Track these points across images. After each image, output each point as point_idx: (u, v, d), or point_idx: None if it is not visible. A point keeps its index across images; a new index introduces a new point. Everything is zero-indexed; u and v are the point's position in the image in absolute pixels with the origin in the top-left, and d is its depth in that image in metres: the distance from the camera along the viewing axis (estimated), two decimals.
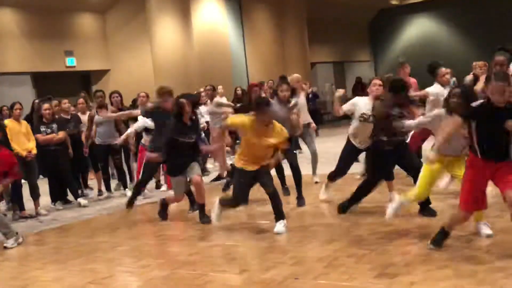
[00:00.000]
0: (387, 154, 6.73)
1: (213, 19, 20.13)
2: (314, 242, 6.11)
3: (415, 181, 6.33)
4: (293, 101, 8.24)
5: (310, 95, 18.45)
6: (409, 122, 6.34)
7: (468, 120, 5.07)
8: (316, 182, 9.51)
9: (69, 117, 10.35)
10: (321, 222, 6.99)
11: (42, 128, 9.54)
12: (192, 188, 7.81)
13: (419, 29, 29.24)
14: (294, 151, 8.75)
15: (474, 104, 5.08)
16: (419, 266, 4.99)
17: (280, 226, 6.58)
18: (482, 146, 4.99)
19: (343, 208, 7.21)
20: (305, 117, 9.54)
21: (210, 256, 6.06)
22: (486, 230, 5.66)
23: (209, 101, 11.57)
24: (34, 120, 9.75)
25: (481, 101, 5.09)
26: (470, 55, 21.61)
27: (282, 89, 8.12)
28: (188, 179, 7.69)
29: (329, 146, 12.78)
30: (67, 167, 9.76)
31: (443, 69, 8.85)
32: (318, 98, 19.05)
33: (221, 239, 6.67)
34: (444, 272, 4.76)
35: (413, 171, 6.70)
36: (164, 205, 7.95)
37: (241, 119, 6.82)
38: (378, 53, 30.56)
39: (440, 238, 5.37)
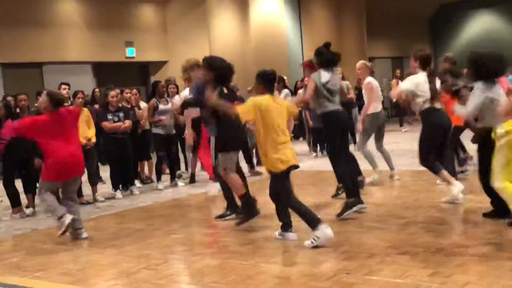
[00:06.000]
0: None
1: (271, 12, 20.15)
2: (367, 238, 6.07)
3: None
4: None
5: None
6: None
7: None
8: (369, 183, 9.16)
9: (129, 106, 10.58)
10: (375, 219, 6.93)
11: (109, 116, 9.72)
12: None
13: (481, 25, 28.53)
14: None
15: None
16: (474, 266, 4.91)
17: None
18: None
19: None
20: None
21: (262, 248, 6.09)
22: None
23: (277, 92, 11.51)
24: (99, 107, 9.96)
25: None
26: None
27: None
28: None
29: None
30: (131, 155, 9.97)
31: None
32: None
33: (273, 232, 6.68)
34: (499, 273, 4.66)
35: None
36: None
37: None
38: (438, 49, 29.95)
39: None
